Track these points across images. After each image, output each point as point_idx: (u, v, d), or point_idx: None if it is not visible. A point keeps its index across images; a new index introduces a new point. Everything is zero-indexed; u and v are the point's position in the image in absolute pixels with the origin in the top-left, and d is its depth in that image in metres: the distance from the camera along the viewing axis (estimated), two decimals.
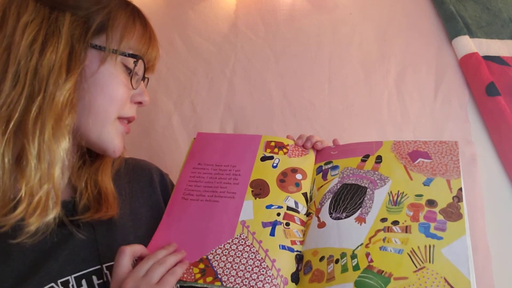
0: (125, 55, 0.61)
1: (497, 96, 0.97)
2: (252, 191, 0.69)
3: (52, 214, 0.55)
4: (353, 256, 0.59)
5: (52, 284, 0.55)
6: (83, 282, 0.58)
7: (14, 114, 0.53)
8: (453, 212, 0.59)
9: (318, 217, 0.66)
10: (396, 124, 1.01)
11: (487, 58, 1.02)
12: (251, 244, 0.63)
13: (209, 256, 0.62)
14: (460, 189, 0.61)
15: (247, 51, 1.07)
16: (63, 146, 0.55)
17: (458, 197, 0.60)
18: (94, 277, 0.59)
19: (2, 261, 0.55)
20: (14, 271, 0.54)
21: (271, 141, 0.75)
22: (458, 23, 1.04)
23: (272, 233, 0.64)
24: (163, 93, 1.05)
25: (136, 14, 0.64)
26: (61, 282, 0.56)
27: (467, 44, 1.03)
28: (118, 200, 0.67)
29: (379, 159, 0.69)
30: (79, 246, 0.60)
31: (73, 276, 0.57)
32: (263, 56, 1.07)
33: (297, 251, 0.63)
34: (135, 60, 0.62)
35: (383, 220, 0.61)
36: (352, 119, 1.03)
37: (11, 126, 0.53)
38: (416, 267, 0.55)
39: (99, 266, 0.60)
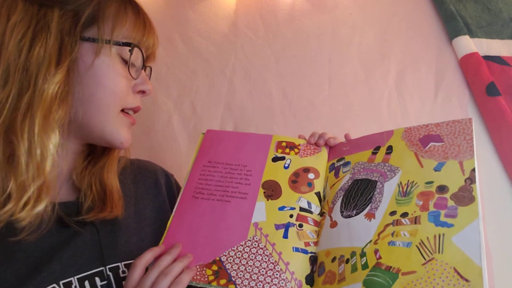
0: (119, 44, 0.60)
1: (497, 96, 0.97)
2: (264, 192, 0.68)
3: (42, 205, 0.55)
4: (362, 254, 0.57)
5: (54, 285, 0.55)
6: (86, 283, 0.57)
7: (2, 112, 0.53)
8: (465, 196, 0.55)
9: (330, 216, 0.64)
10: (396, 124, 1.01)
11: (487, 58, 1.02)
12: (264, 247, 0.62)
13: (222, 258, 0.62)
14: (473, 170, 0.57)
15: (247, 51, 1.07)
16: (53, 140, 0.55)
17: (471, 179, 0.56)
18: (97, 279, 0.58)
19: (5, 261, 0.54)
20: (17, 271, 0.54)
21: (282, 141, 0.74)
22: (458, 23, 1.04)
23: (285, 236, 0.63)
24: (163, 93, 1.04)
25: (128, 2, 0.63)
26: (63, 283, 0.56)
27: (467, 44, 1.03)
28: (123, 201, 0.67)
29: (389, 149, 0.67)
30: (82, 248, 0.59)
31: (76, 277, 0.57)
32: (263, 56, 1.06)
33: (311, 252, 0.63)
34: (130, 48, 0.61)
35: (392, 213, 0.59)
36: (352, 119, 1.03)
37: None
38: (425, 259, 0.52)
39: (102, 268, 0.59)
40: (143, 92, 0.65)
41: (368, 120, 1.02)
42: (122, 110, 0.63)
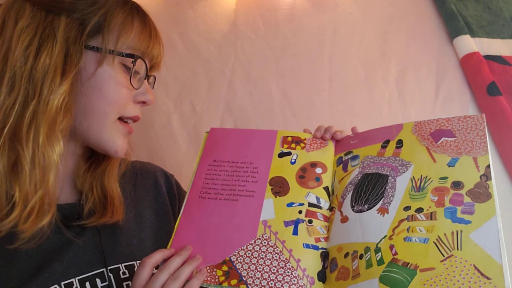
0: (122, 55, 0.59)
1: (498, 96, 0.96)
2: (271, 189, 0.67)
3: (46, 219, 0.55)
4: (377, 250, 0.56)
5: (56, 285, 0.55)
6: (87, 284, 0.57)
7: (8, 120, 0.53)
8: (481, 193, 0.54)
9: (340, 211, 0.63)
10: None
11: (488, 57, 1.02)
12: (274, 244, 0.61)
13: (232, 258, 0.61)
14: (488, 166, 0.56)
15: (247, 50, 1.07)
16: (58, 151, 0.55)
17: (487, 176, 0.55)
18: (98, 280, 0.58)
19: (8, 262, 0.54)
20: (20, 272, 0.54)
21: (288, 136, 0.73)
22: (459, 23, 1.04)
23: (295, 232, 0.62)
24: (163, 93, 1.04)
25: (135, 12, 0.63)
26: (65, 284, 0.56)
27: (468, 44, 1.02)
28: (123, 204, 0.67)
29: (399, 143, 0.65)
30: (84, 249, 0.60)
31: (77, 278, 0.57)
32: (263, 55, 1.06)
33: (322, 248, 0.62)
34: (133, 59, 0.60)
35: (406, 208, 0.57)
36: (353, 119, 1.02)
37: (5, 132, 0.53)
38: (443, 256, 0.51)
39: (102, 269, 0.59)
40: (143, 102, 0.65)
41: (368, 120, 1.02)
42: (120, 119, 0.62)
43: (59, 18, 0.57)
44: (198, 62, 1.06)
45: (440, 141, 0.62)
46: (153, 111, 1.04)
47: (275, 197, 0.66)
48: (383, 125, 1.01)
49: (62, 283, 0.56)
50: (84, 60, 0.57)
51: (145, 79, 0.64)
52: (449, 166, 0.58)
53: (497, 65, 1.01)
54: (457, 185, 0.56)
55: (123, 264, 0.62)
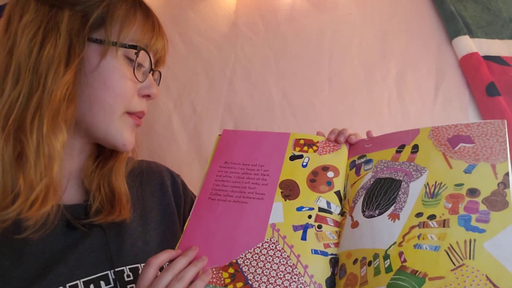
0: (125, 47, 0.60)
1: (497, 96, 0.97)
2: (281, 192, 0.66)
3: (50, 204, 0.55)
4: (386, 256, 0.54)
5: (61, 287, 0.55)
6: (91, 286, 0.57)
7: (13, 112, 0.54)
8: (498, 201, 0.52)
9: (351, 216, 0.62)
10: (397, 124, 1.01)
11: (487, 58, 1.02)
12: (282, 249, 0.60)
13: (238, 261, 0.60)
14: (507, 174, 0.54)
15: (247, 51, 1.07)
16: (61, 140, 0.56)
17: (504, 183, 0.53)
18: (102, 283, 0.58)
19: (14, 262, 0.54)
20: (24, 272, 0.54)
21: (300, 139, 0.72)
22: (458, 23, 1.04)
23: (303, 237, 0.61)
24: (163, 93, 1.04)
25: (138, 5, 0.63)
26: (69, 286, 0.56)
27: (467, 44, 1.03)
28: (130, 204, 0.66)
29: (415, 148, 0.63)
30: (89, 250, 0.59)
31: (82, 280, 0.57)
32: (263, 56, 1.06)
33: (331, 254, 0.60)
34: (136, 51, 0.60)
35: (418, 215, 0.56)
36: (353, 119, 1.03)
37: (10, 123, 0.54)
38: (454, 264, 0.49)
39: (107, 272, 0.59)
40: (148, 96, 0.65)
41: (368, 121, 1.02)
42: (128, 113, 0.62)
43: (63, 12, 0.57)
44: (198, 62, 1.06)
45: (457, 147, 0.60)
46: (154, 111, 1.04)
47: (285, 200, 0.65)
48: (382, 125, 1.02)
49: (67, 285, 0.55)
50: (88, 52, 0.58)
51: (149, 72, 0.64)
52: (466, 172, 0.57)
53: (496, 65, 1.02)
54: (473, 192, 0.55)
55: (127, 267, 0.61)
